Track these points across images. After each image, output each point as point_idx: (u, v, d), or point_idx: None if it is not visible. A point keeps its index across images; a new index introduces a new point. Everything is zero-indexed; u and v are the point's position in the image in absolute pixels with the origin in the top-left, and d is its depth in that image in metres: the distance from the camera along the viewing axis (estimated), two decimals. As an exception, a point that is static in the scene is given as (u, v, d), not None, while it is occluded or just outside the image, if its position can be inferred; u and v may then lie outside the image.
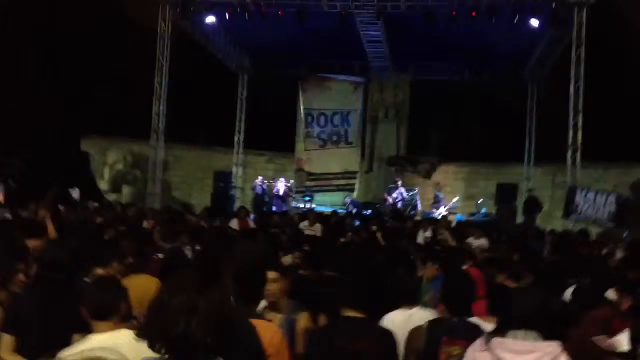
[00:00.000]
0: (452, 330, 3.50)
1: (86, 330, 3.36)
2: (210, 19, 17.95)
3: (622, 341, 3.78)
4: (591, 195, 15.39)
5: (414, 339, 3.60)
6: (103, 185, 21.80)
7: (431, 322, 3.65)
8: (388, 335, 3.55)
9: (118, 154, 22.28)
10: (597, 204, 15.04)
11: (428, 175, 21.82)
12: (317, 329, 3.69)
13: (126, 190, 21.69)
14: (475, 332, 3.48)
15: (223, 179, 21.77)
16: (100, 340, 3.08)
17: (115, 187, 21.85)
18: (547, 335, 2.95)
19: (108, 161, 22.24)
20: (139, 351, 2.30)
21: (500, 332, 3.01)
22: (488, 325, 3.61)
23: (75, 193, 17.66)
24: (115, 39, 18.38)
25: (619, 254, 8.75)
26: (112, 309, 3.32)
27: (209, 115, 21.99)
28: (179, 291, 2.13)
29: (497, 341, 2.96)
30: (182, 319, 1.94)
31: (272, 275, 3.58)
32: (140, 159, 21.26)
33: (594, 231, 13.94)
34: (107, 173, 22.12)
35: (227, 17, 17.75)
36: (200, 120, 21.85)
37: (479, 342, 3.08)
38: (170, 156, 21.22)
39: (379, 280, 4.18)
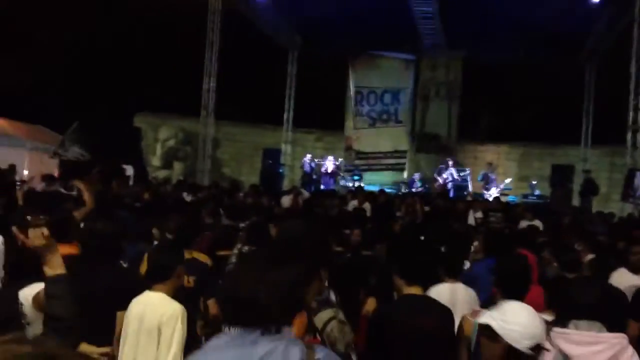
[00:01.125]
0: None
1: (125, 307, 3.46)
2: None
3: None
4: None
5: (467, 325, 3.46)
6: (155, 161, 22.18)
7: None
8: (448, 311, 3.48)
9: (169, 130, 22.58)
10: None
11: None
12: (380, 308, 3.64)
13: (177, 166, 22.02)
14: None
15: (272, 157, 21.80)
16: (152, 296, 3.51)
17: (167, 163, 22.21)
18: (611, 326, 2.77)
19: (160, 137, 22.56)
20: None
21: (560, 322, 2.84)
22: (543, 316, 3.49)
23: (130, 169, 18.06)
24: (166, 16, 18.47)
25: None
26: (169, 272, 3.56)
27: (258, 92, 21.99)
28: (252, 262, 2.18)
29: (557, 331, 2.79)
30: (251, 286, 1.92)
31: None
32: (191, 136, 21.48)
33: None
34: (159, 149, 22.46)
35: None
36: (249, 97, 21.87)
37: None
38: (220, 133, 21.38)
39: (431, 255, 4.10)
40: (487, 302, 3.84)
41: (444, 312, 3.45)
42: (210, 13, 17.95)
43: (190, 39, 18.46)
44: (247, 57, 20.78)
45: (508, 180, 19.48)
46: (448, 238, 6.15)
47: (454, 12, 17.94)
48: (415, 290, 3.44)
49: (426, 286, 3.66)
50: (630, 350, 2.72)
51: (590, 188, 17.51)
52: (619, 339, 2.74)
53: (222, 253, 5.91)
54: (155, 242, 5.69)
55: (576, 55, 20.25)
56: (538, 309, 3.55)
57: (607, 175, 19.55)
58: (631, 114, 15.62)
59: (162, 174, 21.22)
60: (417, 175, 20.37)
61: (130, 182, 14.22)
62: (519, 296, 3.47)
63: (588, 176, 17.89)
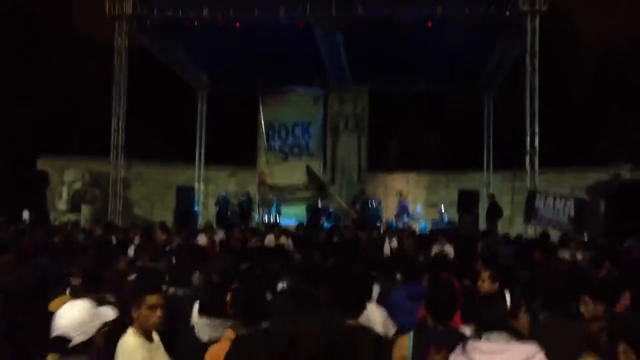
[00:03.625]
0: (438, 338, 3.54)
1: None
2: (166, 35, 17.84)
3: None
4: (550, 200, 15.77)
5: (399, 346, 3.62)
6: (61, 204, 21.36)
7: (416, 331, 3.68)
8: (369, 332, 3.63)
9: (76, 172, 21.84)
10: (556, 208, 15.41)
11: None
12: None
13: (85, 210, 21.26)
14: (457, 339, 3.57)
15: (185, 195, 21.49)
16: None
17: (74, 207, 21.41)
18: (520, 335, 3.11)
19: (65, 180, 21.78)
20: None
21: (477, 336, 3.14)
22: (465, 331, 3.76)
23: (26, 214, 17.38)
24: (71, 55, 18.10)
25: (579, 256, 8.97)
26: None
27: (169, 130, 21.79)
28: None
29: (471, 344, 3.09)
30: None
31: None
32: (99, 177, 20.89)
33: (555, 234, 14.23)
34: (65, 192, 21.65)
35: (183, 33, 17.64)
36: (160, 136, 21.62)
37: (458, 348, 3.17)
38: (130, 173, 20.92)
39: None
40: (415, 325, 4.05)
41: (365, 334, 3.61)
42: (117, 52, 17.70)
43: (96, 78, 18.13)
44: (157, 95, 20.62)
45: (418, 208, 20.14)
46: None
47: (358, 48, 18.53)
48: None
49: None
50: (539, 357, 2.98)
51: (494, 212, 18.39)
52: (527, 347, 3.03)
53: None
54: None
55: (475, 85, 21.32)
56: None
57: (510, 199, 20.56)
58: (528, 139, 16.64)
59: (70, 217, 20.44)
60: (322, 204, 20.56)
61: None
62: (448, 319, 3.69)
63: (492, 200, 18.78)
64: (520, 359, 3.00)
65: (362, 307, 3.74)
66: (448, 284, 3.92)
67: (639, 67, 22.29)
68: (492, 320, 3.14)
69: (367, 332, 3.64)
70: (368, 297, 3.91)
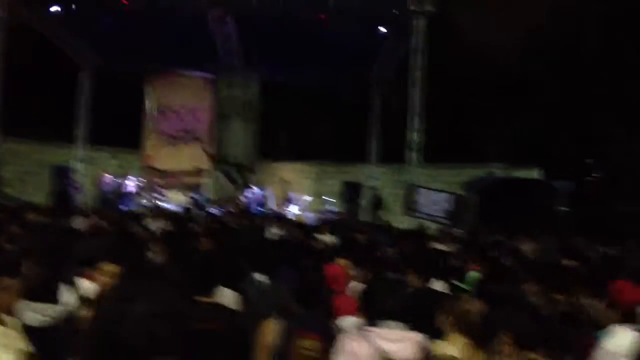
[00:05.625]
0: (304, 323, 3.59)
1: None
2: (55, 8, 16.91)
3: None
4: (429, 194, 16.46)
5: (265, 332, 3.62)
6: None
7: (282, 315, 3.71)
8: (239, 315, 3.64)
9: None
10: (434, 202, 16.11)
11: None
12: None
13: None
14: (326, 326, 3.66)
15: (61, 175, 20.43)
16: None
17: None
18: (412, 327, 3.32)
19: None
20: None
21: (372, 324, 3.32)
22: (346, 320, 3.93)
23: None
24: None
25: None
26: None
27: (48, 109, 20.64)
28: None
29: (373, 332, 3.24)
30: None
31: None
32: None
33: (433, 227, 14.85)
34: None
35: (73, 7, 16.81)
36: (38, 114, 20.42)
37: (354, 335, 3.30)
38: (2, 150, 19.63)
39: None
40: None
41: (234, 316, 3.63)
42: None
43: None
44: (37, 71, 19.46)
45: (306, 198, 20.36)
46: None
47: (252, 35, 18.42)
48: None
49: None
50: (427, 346, 3.26)
51: (376, 203, 18.95)
52: (420, 337, 3.27)
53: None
54: None
55: (364, 79, 21.74)
56: (350, 313, 3.95)
57: (393, 192, 21.20)
58: (410, 134, 17.23)
59: None
60: (195, 197, 20.38)
61: None
62: (315, 305, 3.76)
63: (375, 193, 19.34)
64: (416, 344, 3.22)
65: (211, 288, 3.70)
66: (314, 271, 3.98)
67: (521, 68, 23.73)
68: (392, 311, 3.34)
69: (218, 306, 3.64)
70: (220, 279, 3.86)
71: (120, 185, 19.96)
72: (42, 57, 19.89)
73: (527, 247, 9.88)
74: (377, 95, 22.35)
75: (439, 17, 17.13)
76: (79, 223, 11.28)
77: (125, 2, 16.36)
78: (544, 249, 9.82)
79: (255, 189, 20.24)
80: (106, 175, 19.96)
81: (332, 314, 4.16)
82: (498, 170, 20.14)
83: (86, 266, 4.38)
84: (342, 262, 5.16)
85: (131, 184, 19.87)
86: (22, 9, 16.85)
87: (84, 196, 20.76)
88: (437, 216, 16.06)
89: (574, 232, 13.28)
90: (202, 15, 17.16)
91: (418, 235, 10.12)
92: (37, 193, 20.05)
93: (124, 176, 20.41)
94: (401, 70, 18.50)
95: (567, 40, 23.67)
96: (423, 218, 16.01)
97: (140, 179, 20.79)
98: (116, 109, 21.40)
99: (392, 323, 3.27)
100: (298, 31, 17.24)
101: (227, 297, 3.79)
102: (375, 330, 3.26)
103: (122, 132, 21.39)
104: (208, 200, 20.19)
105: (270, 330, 3.60)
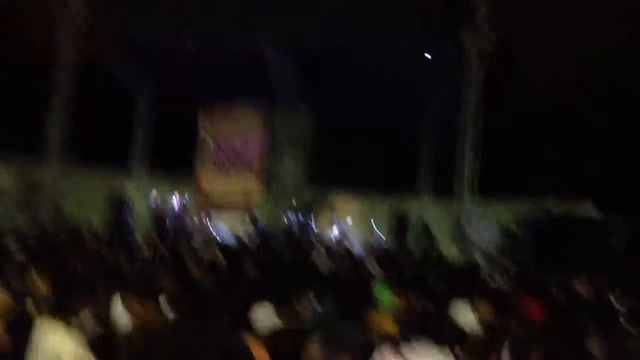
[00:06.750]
0: (342, 339, 3.67)
1: None
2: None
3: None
4: (482, 228, 16.24)
5: (309, 349, 3.58)
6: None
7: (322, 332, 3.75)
8: None
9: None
10: (488, 237, 15.89)
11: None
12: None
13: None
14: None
15: (119, 206, 20.88)
16: None
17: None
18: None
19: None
20: None
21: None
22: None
23: None
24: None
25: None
26: None
27: (107, 139, 21.35)
28: None
29: (408, 347, 3.52)
30: None
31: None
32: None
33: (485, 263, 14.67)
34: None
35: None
36: (97, 144, 21.13)
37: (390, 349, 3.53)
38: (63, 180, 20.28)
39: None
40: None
41: None
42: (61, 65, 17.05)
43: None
44: (97, 102, 20.15)
45: (350, 225, 20.56)
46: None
47: (310, 73, 18.65)
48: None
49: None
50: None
51: (427, 237, 18.78)
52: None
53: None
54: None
55: (418, 112, 21.50)
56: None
57: (444, 225, 20.89)
58: (465, 168, 17.05)
59: None
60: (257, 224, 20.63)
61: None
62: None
63: (425, 226, 19.15)
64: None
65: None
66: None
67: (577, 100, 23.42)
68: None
69: None
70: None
71: (172, 208, 20.41)
72: (101, 89, 20.62)
73: (581, 287, 9.68)
74: (431, 127, 22.29)
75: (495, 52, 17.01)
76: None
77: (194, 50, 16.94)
78: (599, 289, 9.60)
79: (306, 219, 20.35)
80: (159, 198, 20.49)
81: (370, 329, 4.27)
82: (553, 206, 19.71)
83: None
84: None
85: (181, 206, 20.38)
86: (89, 46, 17.42)
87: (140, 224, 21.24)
88: (490, 252, 15.83)
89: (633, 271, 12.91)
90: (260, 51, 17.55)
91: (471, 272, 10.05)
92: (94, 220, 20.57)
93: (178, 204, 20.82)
94: (455, 104, 18.39)
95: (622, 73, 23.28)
96: (475, 253, 15.80)
97: (190, 201, 21.21)
98: (172, 138, 21.97)
99: (426, 342, 3.49)
100: (355, 73, 17.40)
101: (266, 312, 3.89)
102: (410, 346, 3.48)
103: (177, 161, 21.93)
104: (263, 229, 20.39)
105: (313, 348, 3.59)
